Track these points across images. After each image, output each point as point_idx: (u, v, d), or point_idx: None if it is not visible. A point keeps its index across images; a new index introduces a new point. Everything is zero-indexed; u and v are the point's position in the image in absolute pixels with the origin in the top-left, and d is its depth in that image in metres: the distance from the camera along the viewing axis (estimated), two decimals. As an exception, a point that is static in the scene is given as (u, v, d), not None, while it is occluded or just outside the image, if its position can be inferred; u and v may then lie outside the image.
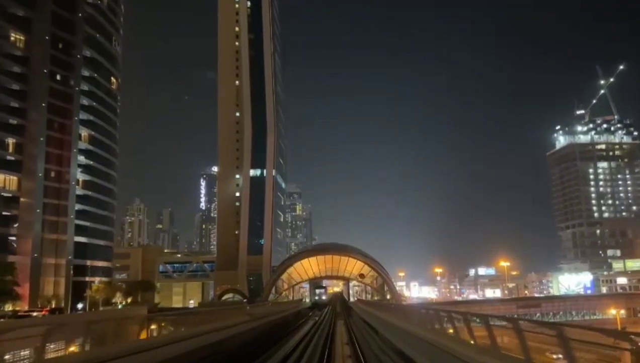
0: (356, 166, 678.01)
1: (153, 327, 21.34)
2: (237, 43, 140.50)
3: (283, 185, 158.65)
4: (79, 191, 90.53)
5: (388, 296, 79.42)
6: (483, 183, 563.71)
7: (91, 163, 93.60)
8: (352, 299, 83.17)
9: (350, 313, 57.07)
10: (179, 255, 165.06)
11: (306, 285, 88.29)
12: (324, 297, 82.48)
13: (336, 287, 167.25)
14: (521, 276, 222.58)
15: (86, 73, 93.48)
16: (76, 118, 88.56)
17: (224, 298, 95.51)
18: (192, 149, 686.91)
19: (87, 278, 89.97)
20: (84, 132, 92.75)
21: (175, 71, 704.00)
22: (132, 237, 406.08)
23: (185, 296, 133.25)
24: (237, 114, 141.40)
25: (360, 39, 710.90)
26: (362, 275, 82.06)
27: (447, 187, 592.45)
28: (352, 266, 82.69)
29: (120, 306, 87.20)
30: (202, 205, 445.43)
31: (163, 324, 23.67)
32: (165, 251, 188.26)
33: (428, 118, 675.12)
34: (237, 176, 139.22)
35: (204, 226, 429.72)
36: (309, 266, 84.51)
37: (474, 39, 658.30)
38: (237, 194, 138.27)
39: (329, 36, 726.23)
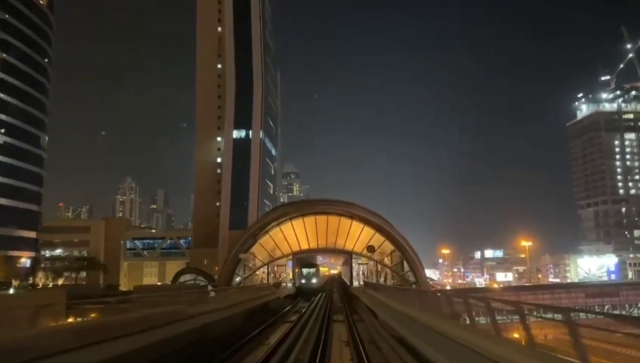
0: (357, 147, 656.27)
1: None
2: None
3: (273, 151, 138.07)
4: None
5: (412, 280, 54.77)
6: (493, 159, 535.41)
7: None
8: (355, 283, 60.07)
9: (356, 307, 36.89)
10: (154, 231, 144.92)
11: (291, 265, 62.79)
12: (314, 281, 58.00)
13: (333, 269, 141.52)
14: (534, 259, 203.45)
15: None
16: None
17: (182, 280, 76.42)
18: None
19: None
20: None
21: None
22: (124, 217, 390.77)
23: (166, 277, 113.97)
24: (219, 66, 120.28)
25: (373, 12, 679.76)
26: (371, 248, 56.53)
27: (451, 166, 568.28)
28: (357, 233, 56.89)
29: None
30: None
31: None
32: (138, 226, 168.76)
33: (438, 95, 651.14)
34: (219, 138, 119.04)
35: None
36: (293, 235, 58.01)
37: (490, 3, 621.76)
38: (219, 160, 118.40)
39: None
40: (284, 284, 57.18)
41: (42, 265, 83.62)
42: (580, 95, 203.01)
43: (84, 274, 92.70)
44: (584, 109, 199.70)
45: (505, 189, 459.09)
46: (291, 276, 60.06)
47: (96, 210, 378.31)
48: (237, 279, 54.53)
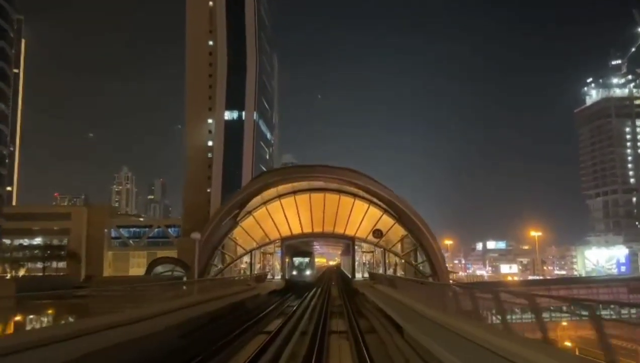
0: (359, 138, 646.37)
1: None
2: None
3: (268, 135, 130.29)
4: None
5: (428, 272, 45.25)
6: (495, 148, 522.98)
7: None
8: (358, 276, 50.39)
9: (361, 308, 28.69)
10: (141, 219, 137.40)
11: (280, 254, 52.08)
12: (307, 273, 49.36)
13: (332, 260, 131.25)
14: (539, 251, 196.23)
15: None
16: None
17: (160, 271, 68.96)
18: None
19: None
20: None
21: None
22: (120, 207, 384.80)
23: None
24: (210, 43, 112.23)
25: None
26: (378, 233, 47.32)
27: (452, 156, 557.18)
28: (361, 215, 47.74)
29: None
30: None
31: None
32: (124, 214, 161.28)
33: (441, 83, 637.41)
34: (210, 120, 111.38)
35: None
36: (282, 216, 48.26)
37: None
38: (210, 143, 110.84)
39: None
40: (270, 276, 49.76)
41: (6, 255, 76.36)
42: (589, 80, 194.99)
43: (61, 264, 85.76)
44: (593, 95, 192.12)
45: (507, 179, 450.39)
46: (280, 267, 52.18)
47: (92, 200, 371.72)
48: (214, 270, 46.75)
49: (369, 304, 27.98)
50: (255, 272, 47.69)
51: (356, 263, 49.66)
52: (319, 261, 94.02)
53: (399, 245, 48.36)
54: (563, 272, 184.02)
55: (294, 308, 30.36)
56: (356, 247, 49.01)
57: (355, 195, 46.93)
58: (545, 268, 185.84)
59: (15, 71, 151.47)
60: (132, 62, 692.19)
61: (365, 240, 48.53)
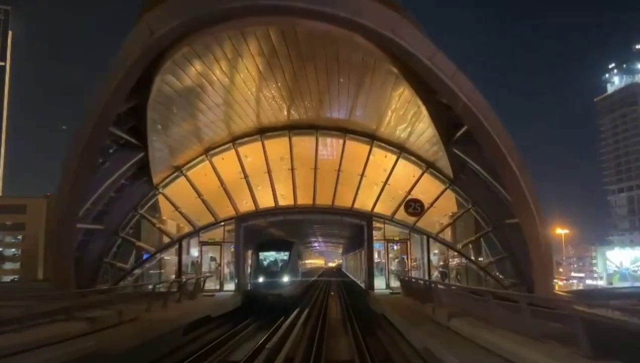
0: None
1: None
2: None
3: None
4: None
5: (509, 282, 23.02)
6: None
7: None
8: (379, 285, 25.94)
9: None
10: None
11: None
12: (284, 280, 26.09)
13: (331, 262, 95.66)
14: (553, 251, 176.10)
15: None
16: None
17: None
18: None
19: None
20: None
21: None
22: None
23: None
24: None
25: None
26: (416, 206, 24.91)
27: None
28: (381, 175, 25.56)
29: None
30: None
31: None
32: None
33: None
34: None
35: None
36: (241, 179, 25.90)
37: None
38: None
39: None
40: (216, 286, 25.62)
41: None
42: (611, 65, 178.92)
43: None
44: (616, 82, 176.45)
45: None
46: (234, 270, 28.12)
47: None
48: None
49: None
50: (189, 275, 25.15)
51: (376, 260, 26.76)
52: (314, 262, 67.04)
53: (449, 231, 26.25)
54: (581, 274, 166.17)
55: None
56: (374, 233, 26.06)
57: (372, 137, 24.89)
58: (560, 270, 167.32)
59: (1, 63, 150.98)
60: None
61: (391, 220, 25.47)
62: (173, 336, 15.04)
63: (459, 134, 20.11)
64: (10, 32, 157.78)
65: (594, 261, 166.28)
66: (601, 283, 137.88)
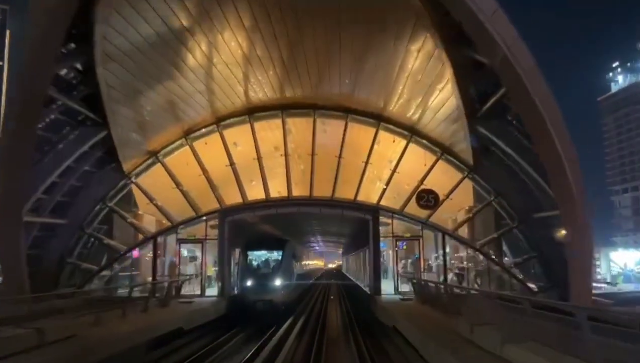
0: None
1: None
2: None
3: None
4: None
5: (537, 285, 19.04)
6: None
7: None
8: (387, 290, 21.69)
9: None
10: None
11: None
12: (276, 284, 21.64)
13: (331, 263, 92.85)
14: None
15: None
16: None
17: None
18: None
19: None
20: None
21: None
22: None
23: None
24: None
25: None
26: (429, 198, 20.74)
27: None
28: (388, 162, 22.05)
29: None
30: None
31: None
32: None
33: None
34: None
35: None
36: (225, 167, 21.87)
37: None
38: None
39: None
40: (195, 291, 21.79)
41: None
42: (615, 64, 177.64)
43: None
44: (620, 81, 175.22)
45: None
46: (218, 272, 23.48)
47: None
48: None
49: None
50: (163, 278, 21.36)
51: (383, 259, 22.97)
52: (311, 263, 58.74)
53: (466, 228, 22.53)
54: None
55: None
56: (381, 228, 22.25)
57: (379, 117, 21.20)
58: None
59: None
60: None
61: (401, 213, 21.65)
62: (120, 361, 11.16)
63: (488, 105, 16.21)
64: (7, 32, 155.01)
65: (597, 262, 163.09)
66: (604, 286, 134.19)
